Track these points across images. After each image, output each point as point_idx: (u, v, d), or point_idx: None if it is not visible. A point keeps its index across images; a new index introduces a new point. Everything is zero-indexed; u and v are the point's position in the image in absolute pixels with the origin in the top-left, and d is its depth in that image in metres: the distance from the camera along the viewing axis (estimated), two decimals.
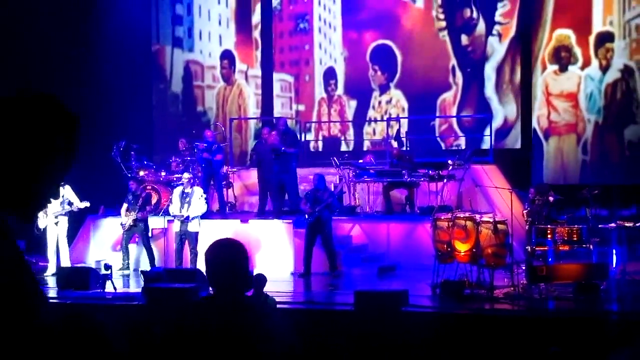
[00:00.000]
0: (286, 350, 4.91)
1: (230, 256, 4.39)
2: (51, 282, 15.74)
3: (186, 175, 17.06)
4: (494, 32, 19.32)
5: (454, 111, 20.55)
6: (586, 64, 18.90)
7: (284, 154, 17.35)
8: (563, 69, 19.07)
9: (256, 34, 21.67)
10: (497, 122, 19.61)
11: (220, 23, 21.69)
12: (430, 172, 17.59)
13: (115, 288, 14.32)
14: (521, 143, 20.31)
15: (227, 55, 21.83)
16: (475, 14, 19.32)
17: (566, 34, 19.02)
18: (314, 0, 20.97)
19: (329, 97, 21.10)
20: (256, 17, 21.55)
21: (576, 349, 10.15)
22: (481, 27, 19.41)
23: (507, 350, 10.86)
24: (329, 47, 21.07)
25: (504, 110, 19.71)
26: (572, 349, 10.14)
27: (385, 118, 20.77)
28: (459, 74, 19.95)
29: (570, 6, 19.14)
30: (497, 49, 19.38)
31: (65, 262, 16.32)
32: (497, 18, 19.20)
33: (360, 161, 19.23)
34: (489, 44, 19.41)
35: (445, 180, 17.39)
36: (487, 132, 19.71)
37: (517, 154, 20.27)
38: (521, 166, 19.88)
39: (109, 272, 14.43)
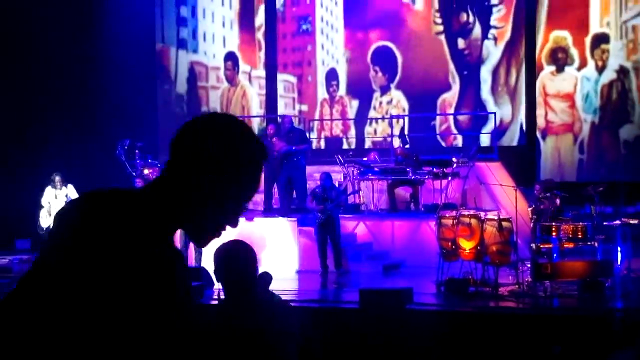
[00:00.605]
0: (302, 347, 4.93)
1: (240, 258, 4.43)
2: None
3: None
4: (490, 36, 19.79)
5: (452, 112, 20.88)
6: (582, 64, 19.25)
7: (295, 152, 17.23)
8: (560, 69, 19.37)
9: (259, 35, 22.00)
10: (493, 123, 19.90)
11: (224, 25, 22.04)
12: (434, 169, 17.57)
13: None
14: (526, 140, 20.47)
15: (230, 57, 22.15)
16: (471, 19, 19.79)
17: (562, 35, 19.31)
18: (316, 2, 21.27)
19: (330, 97, 21.45)
20: (259, 19, 21.88)
21: (580, 347, 10.15)
22: (477, 31, 19.87)
23: (511, 348, 10.87)
24: (331, 48, 21.41)
25: (499, 111, 19.98)
26: (576, 347, 10.13)
27: (389, 115, 21.04)
28: (456, 76, 20.29)
29: (567, 8, 19.41)
30: (493, 52, 19.84)
31: None
32: (493, 22, 19.66)
33: (365, 159, 19.23)
34: (484, 47, 19.87)
35: (449, 178, 17.38)
36: (489, 129, 19.82)
37: (521, 152, 20.36)
38: (526, 164, 19.93)
39: None
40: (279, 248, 16.75)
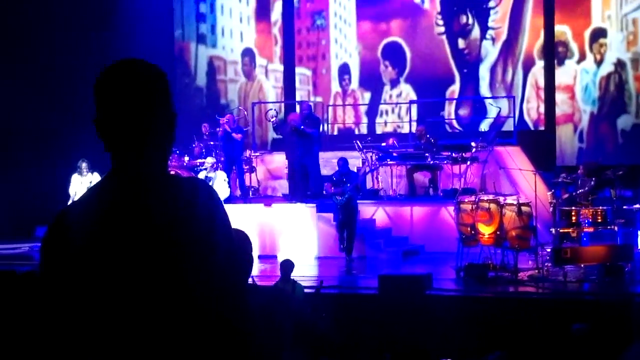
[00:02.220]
0: (321, 335, 4.92)
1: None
2: None
3: (209, 159, 17.10)
4: (488, 36, 20.81)
5: (450, 109, 21.69)
6: (582, 58, 20.00)
7: (306, 136, 17.26)
8: (560, 62, 20.17)
9: (275, 30, 22.69)
10: (491, 118, 20.59)
11: (241, 20, 22.75)
12: (453, 154, 17.52)
13: None
14: (545, 124, 20.65)
15: (247, 53, 22.84)
16: (470, 20, 20.84)
17: (562, 30, 20.08)
18: None
19: (343, 91, 22.12)
20: (275, 15, 22.59)
21: (601, 331, 10.12)
22: (476, 32, 20.90)
23: (531, 332, 10.85)
24: (344, 42, 22.18)
25: (496, 108, 20.33)
26: (596, 331, 10.10)
27: (399, 107, 21.95)
28: (456, 74, 21.26)
29: (568, 2, 20.09)
30: (491, 51, 20.86)
31: None
32: (490, 24, 20.70)
33: (383, 144, 19.20)
34: (483, 47, 20.89)
35: (468, 163, 17.33)
36: (509, 113, 19.89)
37: (541, 136, 20.39)
38: (545, 148, 19.90)
39: None
40: (298, 234, 16.76)
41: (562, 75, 20.13)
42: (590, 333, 9.95)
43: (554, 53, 20.25)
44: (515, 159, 18.08)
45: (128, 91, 2.63)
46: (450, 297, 11.98)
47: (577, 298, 11.89)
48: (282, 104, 22.47)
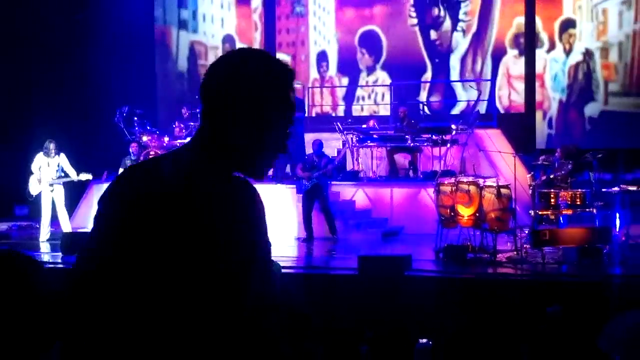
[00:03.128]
0: (293, 314, 4.92)
1: None
2: (44, 247, 15.86)
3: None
4: (458, 28, 21.72)
5: (423, 96, 22.29)
6: (551, 47, 20.87)
7: None
8: (522, 53, 21.20)
9: (255, 16, 23.48)
10: (460, 106, 21.73)
11: (222, 7, 23.47)
12: (433, 136, 17.57)
13: None
14: (525, 108, 20.98)
15: (228, 40, 23.56)
16: (442, 13, 21.76)
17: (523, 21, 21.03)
18: None
19: (321, 77, 22.90)
20: (255, 2, 23.36)
21: (578, 313, 10.19)
22: (447, 24, 21.83)
23: (510, 313, 10.90)
24: (323, 30, 22.93)
25: (466, 95, 21.58)
26: (574, 313, 10.16)
27: (374, 93, 22.88)
28: (429, 63, 22.12)
29: None
30: (461, 42, 21.79)
31: (66, 228, 16.33)
32: (461, 16, 21.61)
33: (364, 126, 19.22)
34: (454, 38, 21.81)
35: (448, 145, 17.38)
36: (487, 97, 20.09)
37: (521, 119, 20.59)
38: (525, 131, 20.02)
39: None
40: (277, 215, 16.74)
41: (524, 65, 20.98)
42: (565, 315, 10.01)
43: (534, 40, 20.76)
44: (495, 141, 18.14)
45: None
46: (429, 278, 12.01)
47: (555, 280, 11.95)
48: None
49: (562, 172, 14.38)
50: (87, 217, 18.10)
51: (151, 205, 2.40)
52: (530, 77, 20.97)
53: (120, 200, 2.43)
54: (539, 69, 20.77)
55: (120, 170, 16.94)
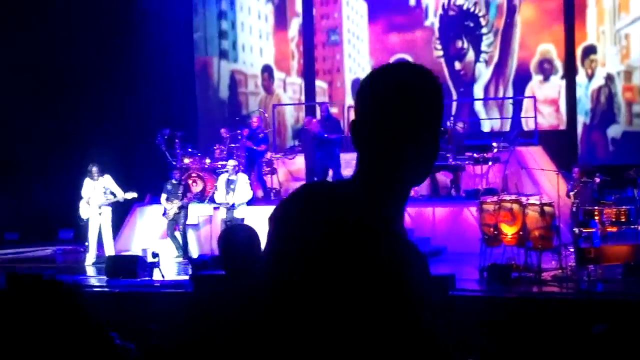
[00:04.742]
0: None
1: (244, 240, 4.32)
2: (90, 271, 16.00)
3: (231, 162, 17.13)
4: (481, 59, 22.61)
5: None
6: (566, 73, 21.66)
7: (327, 140, 17.54)
8: (546, 79, 21.87)
9: (292, 45, 24.30)
10: (486, 129, 22.40)
11: (260, 37, 24.41)
12: (475, 154, 17.51)
13: (163, 276, 14.43)
14: (566, 125, 21.28)
15: (266, 69, 24.37)
16: (465, 45, 22.70)
17: (547, 48, 21.86)
18: (343, 15, 23.86)
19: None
20: (292, 31, 24.26)
21: (625, 332, 10.06)
22: (470, 55, 22.71)
23: (555, 333, 10.81)
24: (357, 57, 23.84)
25: (490, 121, 22.47)
26: (620, 332, 10.05)
27: None
28: (454, 92, 22.83)
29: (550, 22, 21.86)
30: (484, 72, 22.65)
31: (110, 252, 16.44)
32: (483, 48, 22.56)
33: None
34: (477, 68, 22.67)
35: (490, 163, 17.30)
36: (531, 114, 20.04)
37: (562, 136, 20.55)
38: (567, 148, 19.93)
39: (156, 259, 14.53)
40: None
41: (549, 89, 21.67)
42: (611, 334, 9.90)
43: (574, 61, 21.26)
44: (537, 159, 18.03)
45: None
46: (474, 297, 11.95)
47: (601, 298, 11.84)
48: (303, 107, 23.35)
49: (587, 192, 14.40)
50: (130, 240, 18.23)
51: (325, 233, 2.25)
52: (571, 95, 21.32)
53: (298, 223, 2.31)
54: (554, 94, 21.58)
55: (163, 196, 17.07)
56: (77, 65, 20.74)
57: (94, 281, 14.81)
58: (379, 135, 2.30)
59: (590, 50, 21.19)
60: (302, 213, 2.31)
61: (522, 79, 22.07)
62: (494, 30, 22.33)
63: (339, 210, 2.27)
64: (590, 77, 21.15)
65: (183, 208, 16.98)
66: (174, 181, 17.20)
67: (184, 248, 16.94)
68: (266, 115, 21.86)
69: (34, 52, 20.53)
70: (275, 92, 24.24)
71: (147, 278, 14.30)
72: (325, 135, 17.67)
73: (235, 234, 4.49)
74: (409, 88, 2.32)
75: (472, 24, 22.53)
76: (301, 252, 2.25)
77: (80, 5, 20.77)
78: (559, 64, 21.58)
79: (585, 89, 21.19)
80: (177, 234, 17.15)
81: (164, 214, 17.04)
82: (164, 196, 17.10)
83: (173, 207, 16.89)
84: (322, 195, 2.34)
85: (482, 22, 22.40)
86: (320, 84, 23.93)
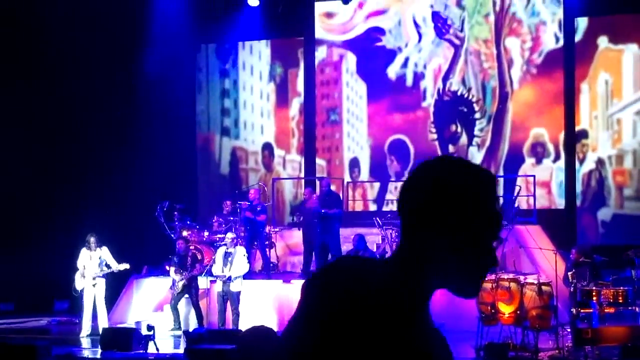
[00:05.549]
0: None
1: (264, 345, 4.31)
2: (85, 343, 15.89)
3: (229, 235, 17.12)
4: (474, 143, 23.19)
5: None
6: (557, 157, 22.15)
7: (326, 215, 17.60)
8: (538, 161, 22.35)
9: (293, 124, 24.82)
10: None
11: (262, 115, 25.01)
12: None
13: (157, 349, 14.33)
14: (565, 204, 21.44)
15: (267, 147, 24.88)
16: (459, 129, 23.29)
17: (540, 132, 22.36)
18: (343, 96, 24.45)
19: (353, 183, 24.23)
20: (293, 110, 24.83)
21: None
22: (464, 139, 23.26)
23: None
24: (356, 136, 24.36)
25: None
26: None
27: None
28: None
29: (548, 107, 22.35)
30: (476, 155, 23.11)
31: (103, 323, 16.34)
32: (476, 132, 23.15)
33: None
34: (469, 152, 23.19)
35: None
36: (528, 193, 20.16)
37: (561, 215, 20.62)
38: (565, 227, 19.97)
39: (151, 332, 14.43)
40: None
41: (541, 172, 21.99)
42: None
43: (574, 144, 21.73)
44: (535, 237, 18.04)
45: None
46: None
47: None
48: (302, 184, 23.46)
49: (586, 273, 14.39)
50: (126, 312, 18.13)
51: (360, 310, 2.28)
52: (571, 174, 21.69)
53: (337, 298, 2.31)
54: (546, 176, 21.94)
55: (172, 269, 16.97)
56: (79, 136, 20.90)
57: (88, 353, 14.71)
58: (409, 223, 2.35)
59: (582, 134, 21.80)
60: (331, 287, 2.31)
61: (514, 161, 22.55)
62: (487, 116, 22.92)
63: (366, 288, 2.29)
64: (581, 161, 21.76)
65: (193, 279, 16.90)
66: (181, 253, 17.13)
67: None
68: (266, 188, 21.98)
69: (38, 122, 20.70)
70: (275, 169, 24.67)
71: (141, 351, 14.19)
72: (323, 211, 17.71)
73: (254, 337, 4.47)
74: (440, 183, 2.33)
75: (465, 109, 23.17)
76: (324, 324, 2.26)
77: (84, 80, 20.95)
78: (551, 147, 22.07)
79: (576, 172, 21.74)
80: (180, 307, 17.04)
81: (172, 286, 16.93)
82: (172, 268, 16.99)
83: (182, 280, 16.80)
84: (355, 271, 2.36)
85: (476, 107, 22.99)
86: (319, 162, 24.36)
